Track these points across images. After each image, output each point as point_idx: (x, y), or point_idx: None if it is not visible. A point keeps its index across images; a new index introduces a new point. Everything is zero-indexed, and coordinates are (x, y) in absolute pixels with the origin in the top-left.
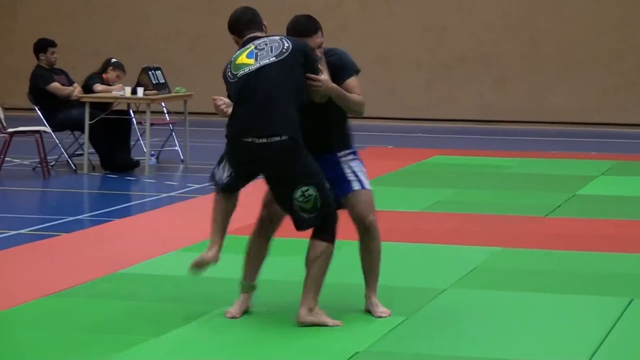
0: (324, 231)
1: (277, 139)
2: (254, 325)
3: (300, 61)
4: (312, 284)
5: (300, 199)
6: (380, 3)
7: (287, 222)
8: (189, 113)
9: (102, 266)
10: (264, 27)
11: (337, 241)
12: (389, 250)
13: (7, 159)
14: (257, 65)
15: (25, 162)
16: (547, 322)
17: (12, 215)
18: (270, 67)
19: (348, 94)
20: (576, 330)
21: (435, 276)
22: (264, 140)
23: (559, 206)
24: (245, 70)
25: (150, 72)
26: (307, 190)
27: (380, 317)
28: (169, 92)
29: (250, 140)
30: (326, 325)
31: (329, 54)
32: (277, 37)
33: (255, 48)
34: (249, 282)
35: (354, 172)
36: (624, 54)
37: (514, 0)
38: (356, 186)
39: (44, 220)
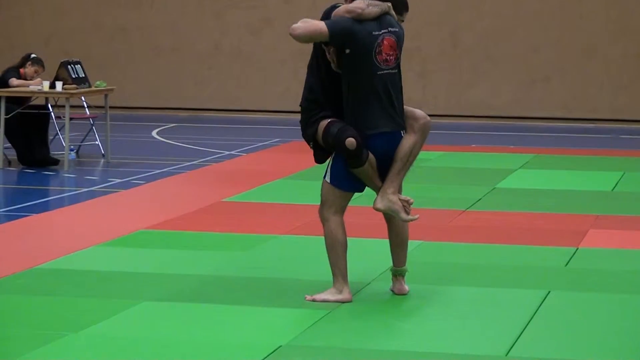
0: None
1: None
2: (175, 321)
3: None
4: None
5: None
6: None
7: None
8: (110, 107)
9: (18, 262)
10: None
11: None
12: (307, 245)
13: None
14: None
15: None
16: (466, 315)
17: None
18: None
19: None
20: (494, 323)
21: (359, 270)
22: None
23: (479, 199)
24: None
25: (69, 66)
26: None
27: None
28: (89, 87)
29: None
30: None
31: None
32: None
33: None
34: (393, 267)
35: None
36: (541, 48)
37: None
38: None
39: None
